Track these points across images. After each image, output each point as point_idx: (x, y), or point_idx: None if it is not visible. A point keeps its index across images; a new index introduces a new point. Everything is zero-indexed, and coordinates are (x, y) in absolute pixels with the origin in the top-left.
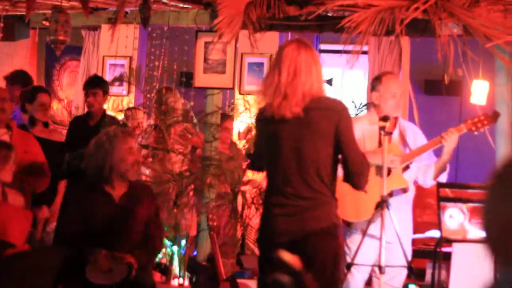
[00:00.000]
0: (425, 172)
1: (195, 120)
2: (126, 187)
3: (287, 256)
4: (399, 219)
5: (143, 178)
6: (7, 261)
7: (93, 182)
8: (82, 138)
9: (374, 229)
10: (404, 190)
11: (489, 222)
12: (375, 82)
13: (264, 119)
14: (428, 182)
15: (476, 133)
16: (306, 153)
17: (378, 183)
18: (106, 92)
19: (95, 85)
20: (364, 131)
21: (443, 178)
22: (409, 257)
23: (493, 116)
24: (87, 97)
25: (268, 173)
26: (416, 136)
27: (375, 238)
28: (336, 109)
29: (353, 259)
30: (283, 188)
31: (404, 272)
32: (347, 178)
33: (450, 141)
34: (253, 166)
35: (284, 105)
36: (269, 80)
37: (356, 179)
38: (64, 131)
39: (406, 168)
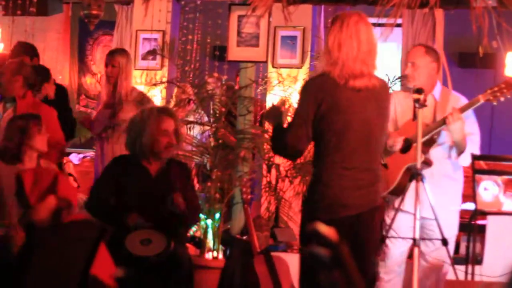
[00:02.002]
0: (450, 149)
1: None
2: (163, 162)
3: (324, 229)
4: (437, 192)
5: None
6: (46, 231)
7: (131, 155)
8: None
9: (408, 204)
10: (427, 164)
11: None
12: None
13: (331, 87)
14: (456, 159)
15: (495, 103)
16: (374, 128)
17: (397, 157)
18: None
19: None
20: (397, 104)
21: (465, 159)
22: (455, 230)
23: (510, 84)
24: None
25: (331, 143)
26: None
27: (409, 213)
28: (388, 89)
29: (387, 232)
30: (351, 160)
31: (450, 246)
32: None
33: (454, 125)
34: (289, 147)
35: (364, 74)
36: (346, 50)
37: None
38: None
39: (432, 143)
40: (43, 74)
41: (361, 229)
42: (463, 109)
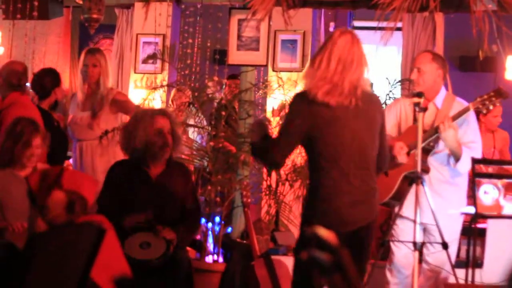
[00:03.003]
0: (448, 157)
1: None
2: (163, 165)
3: (324, 232)
4: (436, 198)
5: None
6: (45, 235)
7: (130, 160)
8: None
9: (408, 209)
10: (424, 171)
11: None
12: None
13: (313, 104)
14: (454, 167)
15: (484, 111)
16: (365, 144)
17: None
18: None
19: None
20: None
21: (463, 166)
22: (457, 234)
23: (499, 92)
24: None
25: (323, 159)
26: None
27: (409, 219)
28: (380, 103)
29: (388, 236)
30: (346, 177)
31: (451, 249)
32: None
33: (446, 133)
34: (270, 155)
35: (331, 92)
36: (316, 66)
37: (383, 168)
38: None
39: (429, 150)
40: (54, 78)
41: (356, 243)
42: (454, 117)
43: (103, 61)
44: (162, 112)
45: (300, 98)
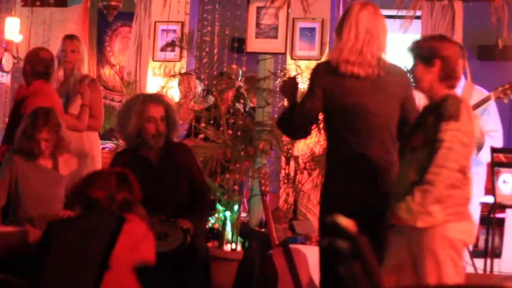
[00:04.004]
0: None
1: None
2: (163, 149)
3: (343, 220)
4: None
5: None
6: (64, 222)
7: (130, 148)
8: None
9: None
10: None
11: None
12: None
13: (333, 74)
14: (476, 156)
15: (505, 100)
16: (382, 116)
17: None
18: None
19: None
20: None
21: (485, 155)
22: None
23: None
24: None
25: (339, 132)
26: None
27: None
28: (404, 74)
29: None
30: (360, 149)
31: None
32: (403, 138)
33: None
34: (294, 125)
35: (359, 63)
36: (345, 38)
37: None
38: (117, 97)
39: None
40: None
41: (375, 218)
42: (475, 107)
43: (82, 47)
44: (154, 99)
45: (321, 68)
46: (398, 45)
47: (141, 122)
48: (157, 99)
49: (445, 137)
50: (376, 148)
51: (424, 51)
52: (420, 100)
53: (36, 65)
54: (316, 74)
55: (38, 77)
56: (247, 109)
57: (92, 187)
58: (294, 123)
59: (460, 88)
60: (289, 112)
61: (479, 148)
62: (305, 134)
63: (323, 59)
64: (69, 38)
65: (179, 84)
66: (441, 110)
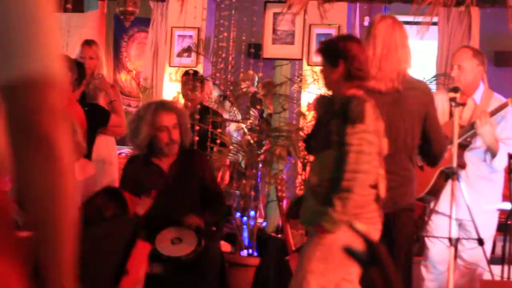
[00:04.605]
0: (485, 153)
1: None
2: (174, 156)
3: (360, 226)
4: (473, 193)
5: (215, 148)
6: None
7: (142, 155)
8: None
9: (443, 205)
10: (460, 167)
11: None
12: None
13: None
14: (490, 163)
15: None
16: (399, 131)
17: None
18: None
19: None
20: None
21: (499, 162)
22: (492, 231)
23: None
24: None
25: None
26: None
27: (444, 214)
28: (426, 91)
29: (423, 232)
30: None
31: (487, 245)
32: (426, 158)
33: (483, 129)
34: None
35: (379, 78)
36: (369, 53)
37: (436, 159)
38: (133, 102)
39: (465, 146)
40: (82, 70)
41: (387, 231)
42: (492, 113)
43: (100, 53)
44: (166, 107)
45: None
46: (414, 52)
47: (153, 131)
48: (169, 107)
49: (353, 141)
50: (393, 163)
51: (329, 51)
52: (439, 106)
53: None
54: None
55: None
56: (264, 115)
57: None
58: None
59: (479, 95)
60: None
61: (493, 155)
62: None
63: None
64: (88, 44)
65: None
66: (346, 113)
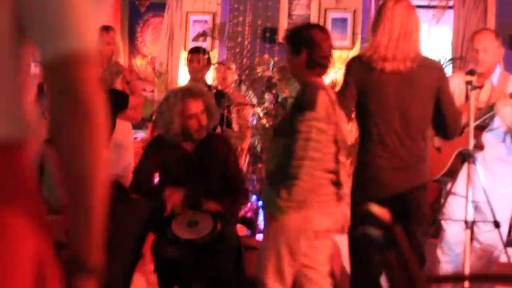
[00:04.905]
0: (505, 134)
1: None
2: (199, 139)
3: (377, 209)
4: (490, 176)
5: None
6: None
7: (167, 136)
8: None
9: (460, 187)
10: (478, 148)
11: None
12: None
13: (365, 68)
14: (510, 144)
15: None
16: (411, 109)
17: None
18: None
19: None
20: (456, 87)
21: None
22: (509, 213)
23: None
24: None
25: (368, 124)
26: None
27: (461, 196)
28: (438, 68)
29: (439, 214)
30: (389, 142)
31: (503, 228)
32: (440, 133)
33: (503, 111)
34: None
35: (399, 59)
36: (380, 34)
37: (451, 134)
38: (148, 87)
39: (483, 127)
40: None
41: (404, 211)
42: (510, 96)
43: (117, 39)
44: (192, 94)
45: (354, 62)
46: (431, 36)
47: (184, 120)
48: (195, 93)
49: (302, 128)
50: (405, 142)
51: (292, 39)
52: (456, 88)
53: None
54: (349, 69)
55: None
56: (279, 100)
57: None
58: None
59: (495, 77)
60: None
61: None
62: None
63: (355, 49)
64: (105, 29)
65: (217, 72)
66: (299, 100)
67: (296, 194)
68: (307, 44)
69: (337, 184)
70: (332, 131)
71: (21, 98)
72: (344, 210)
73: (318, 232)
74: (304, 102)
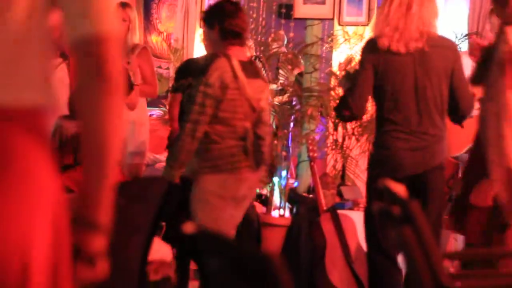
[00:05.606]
0: None
1: None
2: None
3: (394, 185)
4: None
5: None
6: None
7: None
8: None
9: None
10: None
11: None
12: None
13: (381, 50)
14: None
15: None
16: (428, 90)
17: None
18: None
19: None
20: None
21: None
22: None
23: None
24: None
25: (385, 105)
26: None
27: None
28: (452, 48)
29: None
30: (407, 123)
31: None
32: (452, 113)
33: None
34: (347, 106)
35: (397, 39)
36: (385, 12)
37: (463, 117)
38: (164, 64)
39: None
40: None
41: (420, 190)
42: None
43: (133, 16)
44: None
45: (368, 46)
46: (446, 10)
47: None
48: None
49: (194, 92)
50: (422, 122)
51: (206, 15)
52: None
53: None
54: (365, 51)
55: None
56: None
57: None
58: (346, 110)
59: None
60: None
61: None
62: (358, 118)
63: (370, 24)
64: (122, 6)
65: None
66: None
67: (176, 154)
68: (218, 17)
69: (245, 151)
70: (231, 96)
71: (49, 67)
72: (260, 177)
73: (236, 198)
74: (202, 70)
